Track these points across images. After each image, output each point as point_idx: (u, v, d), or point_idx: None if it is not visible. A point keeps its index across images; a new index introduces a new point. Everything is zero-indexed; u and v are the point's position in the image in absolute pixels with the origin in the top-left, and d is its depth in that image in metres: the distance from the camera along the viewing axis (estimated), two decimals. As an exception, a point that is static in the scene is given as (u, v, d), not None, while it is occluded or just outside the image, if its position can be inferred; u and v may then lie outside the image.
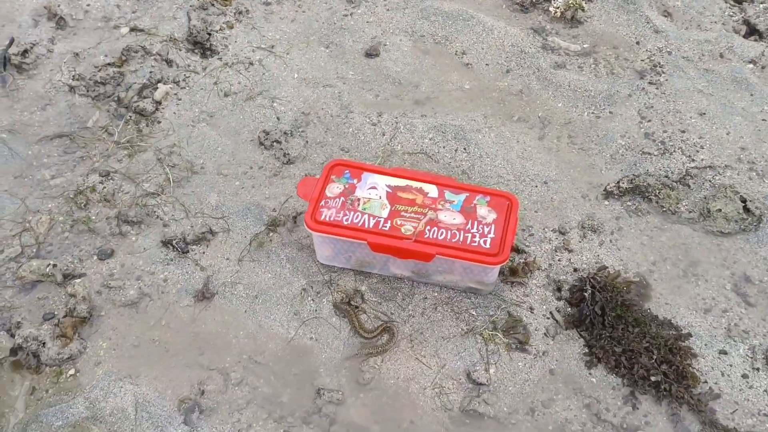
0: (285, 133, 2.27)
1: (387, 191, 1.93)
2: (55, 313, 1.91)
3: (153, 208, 2.12)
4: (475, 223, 1.86)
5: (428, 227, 1.85)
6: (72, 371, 1.83)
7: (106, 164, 2.22)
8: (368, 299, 1.93)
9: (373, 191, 1.93)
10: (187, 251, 2.04)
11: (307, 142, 2.27)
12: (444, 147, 2.25)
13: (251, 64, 2.49)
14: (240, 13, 2.66)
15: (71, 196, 2.14)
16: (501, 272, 1.97)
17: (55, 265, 1.98)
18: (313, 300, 1.93)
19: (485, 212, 1.89)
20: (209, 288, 1.97)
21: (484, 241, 1.83)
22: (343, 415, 1.75)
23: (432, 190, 1.94)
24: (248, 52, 2.54)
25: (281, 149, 2.24)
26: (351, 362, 1.84)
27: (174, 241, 2.05)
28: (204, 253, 2.04)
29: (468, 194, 1.93)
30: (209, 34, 2.53)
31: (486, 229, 1.85)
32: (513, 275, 1.97)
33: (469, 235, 1.84)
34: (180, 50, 2.51)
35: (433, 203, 1.91)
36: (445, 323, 1.89)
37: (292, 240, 2.05)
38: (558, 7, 2.60)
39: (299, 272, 1.99)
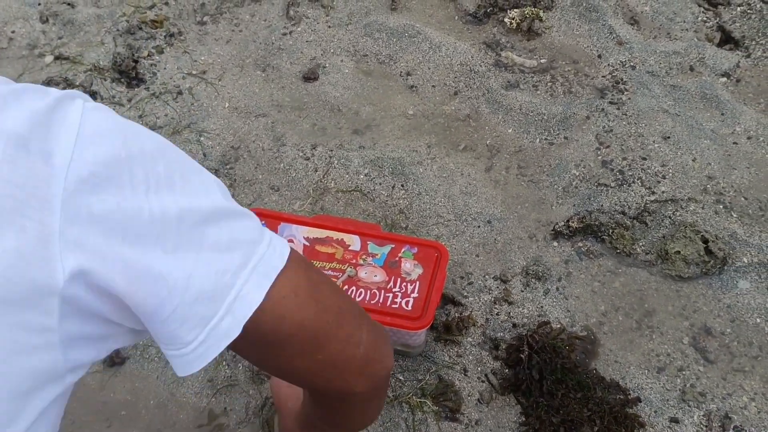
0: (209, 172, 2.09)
1: (304, 245, 1.76)
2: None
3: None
4: (398, 280, 1.68)
5: (346, 286, 1.68)
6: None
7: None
8: (287, 363, 1.77)
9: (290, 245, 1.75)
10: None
11: (234, 180, 2.10)
12: (380, 184, 2.06)
13: (180, 93, 2.32)
14: (171, 35, 2.48)
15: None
16: (435, 329, 1.80)
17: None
18: (228, 365, 1.77)
19: (410, 267, 1.71)
20: (120, 352, 1.82)
21: (406, 302, 1.65)
22: (252, 500, 1.60)
23: (354, 242, 1.76)
24: (178, 79, 2.36)
25: (205, 190, 2.06)
26: (267, 435, 1.69)
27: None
28: (117, 310, 1.89)
29: (393, 245, 1.75)
30: (135, 62, 2.36)
31: (409, 288, 1.67)
32: (447, 333, 1.79)
33: (391, 294, 1.66)
34: (105, 80, 2.34)
35: (354, 257, 1.73)
36: (369, 390, 1.72)
37: (210, 295, 1.89)
38: (513, 18, 2.38)
39: (215, 333, 1.82)
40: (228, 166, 2.13)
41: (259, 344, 0.73)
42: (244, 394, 1.73)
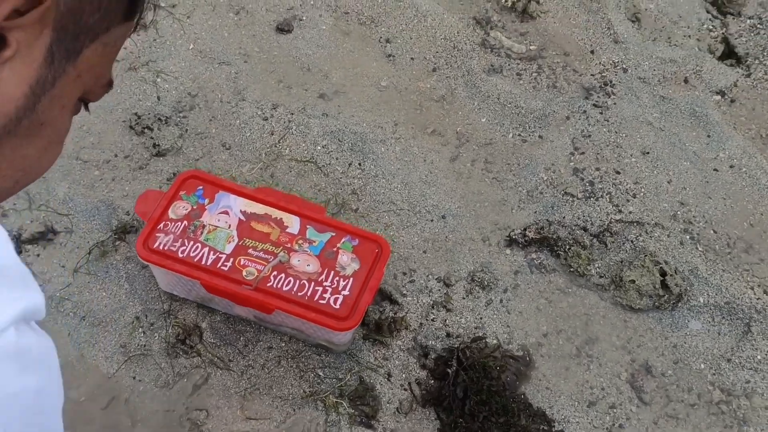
0: (159, 118, 1.96)
1: (239, 219, 1.64)
2: None
3: (-7, 193, 1.85)
4: (332, 273, 1.58)
5: (275, 273, 1.57)
6: None
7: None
8: (206, 340, 1.68)
9: (224, 217, 1.64)
10: (20, 252, 1.78)
11: (185, 131, 1.97)
12: (337, 158, 1.94)
13: (144, 26, 2.16)
14: (144, -40, 2.30)
15: None
16: (365, 325, 1.70)
17: None
18: (144, 333, 1.68)
19: (347, 260, 1.60)
20: (34, 300, 1.72)
21: (335, 300, 1.55)
22: (144, 481, 1.53)
23: (293, 224, 1.65)
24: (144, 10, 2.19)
25: (151, 138, 1.94)
26: (171, 414, 1.61)
27: (6, 238, 1.78)
28: (39, 255, 1.78)
29: (334, 233, 1.64)
30: (100, -15, 2.19)
31: (342, 284, 1.57)
32: (377, 332, 1.70)
33: (320, 288, 1.56)
34: None
35: (289, 241, 1.62)
36: (286, 381, 1.63)
37: (138, 254, 1.78)
38: (510, -5, 2.22)
39: (136, 296, 1.73)
40: (181, 114, 2.00)
41: None
42: (156, 366, 1.64)
